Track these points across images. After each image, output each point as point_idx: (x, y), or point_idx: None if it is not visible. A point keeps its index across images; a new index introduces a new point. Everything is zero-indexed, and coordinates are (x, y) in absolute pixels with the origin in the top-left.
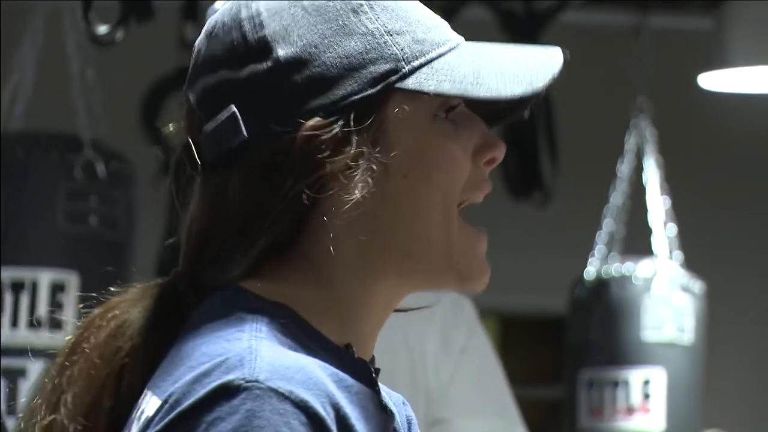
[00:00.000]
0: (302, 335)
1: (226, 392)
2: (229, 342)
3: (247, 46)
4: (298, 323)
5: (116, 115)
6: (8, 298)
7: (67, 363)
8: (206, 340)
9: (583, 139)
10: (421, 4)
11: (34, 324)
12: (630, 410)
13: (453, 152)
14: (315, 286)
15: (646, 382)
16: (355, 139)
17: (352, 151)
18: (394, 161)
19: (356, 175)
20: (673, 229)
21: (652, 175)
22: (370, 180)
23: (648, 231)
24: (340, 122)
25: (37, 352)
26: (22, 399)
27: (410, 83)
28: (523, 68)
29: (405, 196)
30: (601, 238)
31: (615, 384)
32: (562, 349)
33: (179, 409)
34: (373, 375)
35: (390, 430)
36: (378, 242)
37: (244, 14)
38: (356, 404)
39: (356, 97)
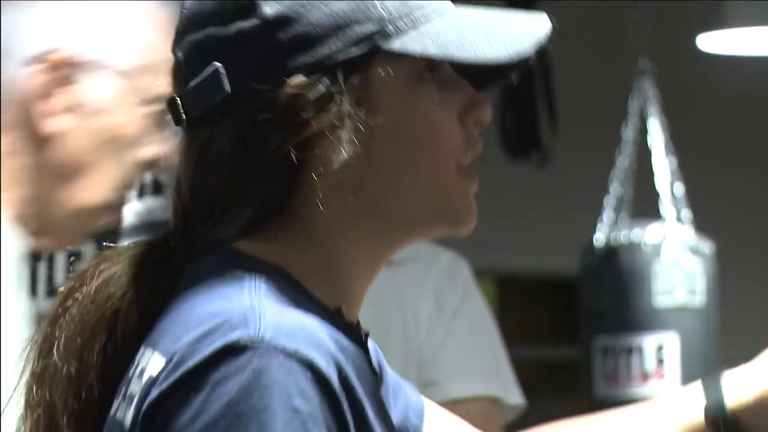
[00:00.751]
0: (297, 296)
1: (232, 351)
2: (230, 301)
3: (235, 3)
4: (292, 284)
5: None
6: (26, 268)
7: (59, 311)
8: (206, 299)
9: (585, 102)
10: None
11: (52, 293)
12: (645, 376)
13: (437, 114)
14: (305, 247)
15: (660, 348)
16: (339, 98)
17: (336, 110)
18: (378, 122)
19: (342, 134)
20: (680, 189)
21: (656, 137)
22: (352, 139)
23: (654, 192)
24: (325, 81)
25: None
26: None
27: (396, 45)
28: (509, 33)
29: (390, 157)
30: (609, 202)
31: (629, 351)
32: (559, 310)
33: (184, 368)
34: (363, 337)
35: (379, 390)
36: (366, 202)
37: None
38: (352, 365)
39: (341, 56)
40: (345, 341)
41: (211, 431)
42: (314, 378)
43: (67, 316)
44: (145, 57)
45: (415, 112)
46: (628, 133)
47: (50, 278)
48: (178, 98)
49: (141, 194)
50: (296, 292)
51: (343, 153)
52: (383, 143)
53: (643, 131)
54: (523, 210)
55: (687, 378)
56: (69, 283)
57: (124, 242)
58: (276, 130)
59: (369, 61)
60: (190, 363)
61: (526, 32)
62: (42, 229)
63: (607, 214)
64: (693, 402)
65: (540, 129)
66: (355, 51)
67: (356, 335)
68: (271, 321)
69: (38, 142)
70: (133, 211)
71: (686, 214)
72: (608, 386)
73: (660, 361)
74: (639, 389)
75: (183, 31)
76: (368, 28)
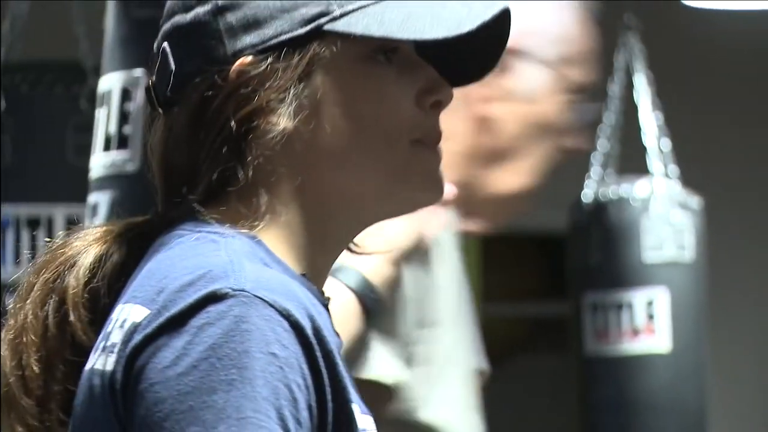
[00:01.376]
0: (266, 258)
1: (215, 299)
2: (209, 257)
3: None
4: (263, 248)
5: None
6: (26, 235)
7: (35, 279)
8: (184, 256)
9: None
10: None
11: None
12: (635, 332)
13: (387, 92)
14: (268, 220)
15: (650, 303)
16: (281, 75)
17: (277, 86)
18: (323, 99)
19: (282, 109)
20: (666, 144)
21: (643, 93)
22: (294, 113)
23: (641, 148)
24: (269, 60)
25: None
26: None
27: (339, 25)
28: (455, 14)
29: (333, 133)
30: (597, 158)
31: (619, 307)
32: (545, 267)
33: (168, 314)
34: (325, 303)
35: (341, 352)
36: (315, 178)
37: None
38: (320, 320)
39: (285, 36)
40: (314, 299)
41: (192, 373)
42: (291, 327)
43: (42, 284)
44: (567, 48)
45: (360, 90)
46: (615, 89)
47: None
48: (151, 85)
49: (107, 147)
50: (265, 253)
51: (282, 126)
52: (326, 120)
53: (629, 87)
54: None
55: (677, 333)
56: (44, 256)
57: (91, 194)
58: (224, 106)
59: (313, 40)
60: (174, 309)
61: (472, 13)
62: (471, 211)
63: (595, 171)
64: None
65: None
66: (299, 31)
67: (319, 299)
68: (250, 274)
69: (474, 126)
70: (100, 163)
71: (673, 169)
72: (598, 342)
73: (650, 317)
74: (629, 345)
75: (161, 23)
76: (313, 9)
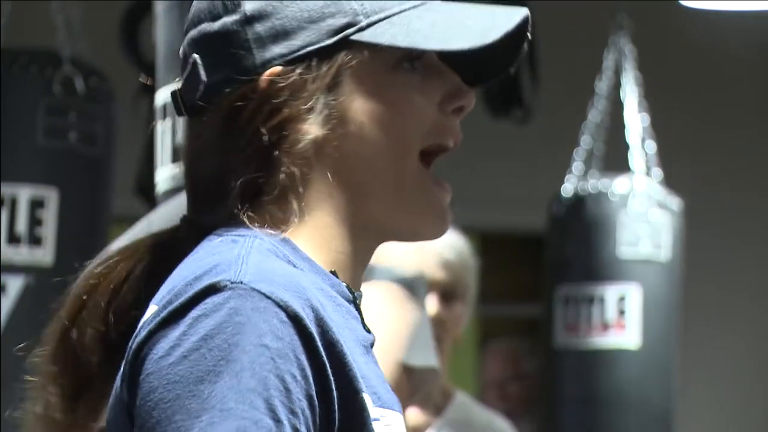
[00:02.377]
0: (291, 256)
1: (213, 291)
2: (221, 254)
3: (223, 2)
4: (289, 247)
5: (96, 32)
6: None
7: (83, 292)
8: (201, 256)
9: (560, 57)
10: None
11: (13, 240)
12: (605, 326)
13: (413, 100)
14: (296, 224)
15: (622, 299)
16: (310, 85)
17: (307, 96)
18: (351, 107)
19: (312, 118)
20: (652, 146)
21: (630, 92)
22: (323, 122)
23: (626, 147)
24: (298, 70)
25: (17, 268)
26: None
27: (366, 36)
28: (479, 23)
29: (363, 140)
30: (579, 155)
31: (590, 300)
32: (530, 267)
33: (170, 307)
34: (355, 298)
35: (371, 348)
36: (343, 183)
37: None
38: (337, 313)
39: (313, 47)
40: (333, 292)
41: (183, 362)
42: (287, 318)
43: (90, 300)
44: None
45: (387, 99)
46: (602, 87)
47: (11, 225)
48: (177, 91)
49: (175, 159)
50: (291, 253)
51: (312, 135)
52: (355, 128)
53: (617, 86)
54: (503, 166)
55: (648, 330)
56: (92, 267)
57: (160, 206)
58: (254, 116)
59: (341, 51)
60: (176, 303)
61: (496, 22)
62: None
63: (577, 166)
64: None
65: (522, 86)
66: (327, 41)
67: (347, 294)
68: (253, 266)
69: None
70: (167, 175)
71: (657, 171)
72: (568, 335)
73: (621, 312)
74: (599, 339)
75: (186, 30)
76: (340, 20)
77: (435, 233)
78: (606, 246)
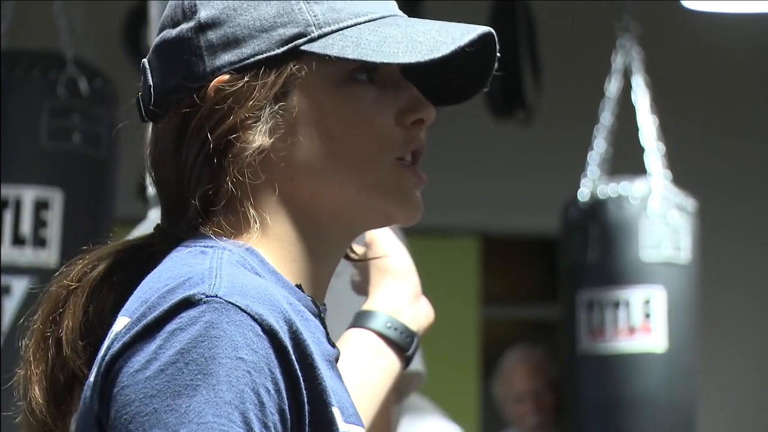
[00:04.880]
0: (258, 268)
1: (188, 305)
2: (193, 266)
3: (182, 7)
4: (257, 259)
5: (98, 33)
6: None
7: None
8: (172, 267)
9: (567, 60)
10: None
11: (18, 241)
12: (632, 330)
13: (364, 111)
14: (259, 233)
15: (647, 302)
16: (257, 94)
17: (252, 104)
18: (298, 117)
19: (258, 126)
20: (662, 148)
21: (641, 95)
22: (270, 131)
23: (633, 151)
24: (246, 78)
25: (21, 270)
26: (6, 317)
27: (315, 47)
28: (431, 38)
29: (310, 150)
30: (593, 158)
31: (616, 304)
32: (543, 269)
33: (144, 321)
34: (320, 312)
35: (335, 362)
36: (295, 192)
37: None
38: (305, 327)
39: (262, 55)
40: (300, 306)
41: (160, 376)
42: (263, 332)
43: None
44: None
45: (336, 109)
46: (612, 89)
47: (16, 226)
48: (148, 97)
49: None
50: (258, 263)
51: (258, 144)
52: (302, 137)
53: (625, 90)
54: (505, 168)
55: (672, 333)
56: (63, 269)
57: (152, 209)
58: (202, 123)
59: (290, 60)
60: (150, 317)
61: (449, 38)
62: None
63: (592, 170)
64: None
65: (524, 88)
66: (276, 51)
67: (313, 308)
68: (226, 280)
69: None
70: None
71: (668, 172)
72: (593, 340)
73: (647, 315)
74: (625, 343)
75: (153, 39)
76: (291, 30)
77: (403, 219)
78: (629, 249)
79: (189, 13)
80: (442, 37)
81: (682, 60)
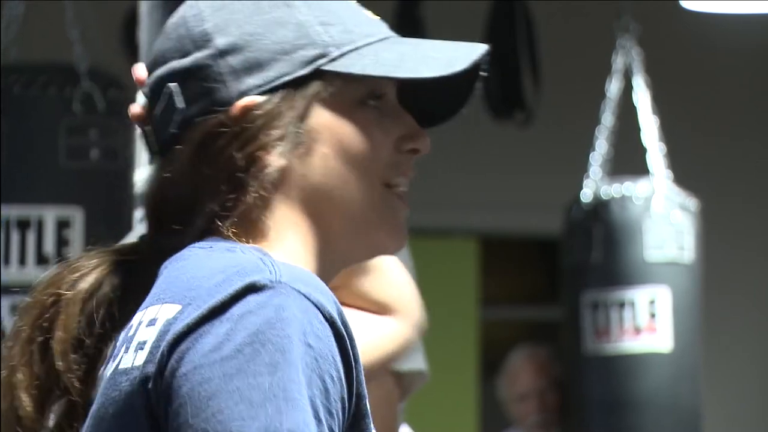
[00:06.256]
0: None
1: (254, 289)
2: (238, 257)
3: (191, 38)
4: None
5: (109, 41)
6: (15, 237)
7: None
8: (211, 259)
9: (567, 61)
10: (356, 4)
11: (42, 261)
12: (637, 330)
13: (373, 135)
14: (271, 245)
15: (652, 302)
16: (284, 114)
17: (280, 125)
18: (318, 138)
19: (283, 146)
20: (663, 148)
21: (641, 95)
22: (292, 151)
23: (633, 151)
24: (273, 100)
25: None
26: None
27: (338, 65)
28: (444, 55)
29: (326, 170)
30: (595, 159)
31: (621, 305)
32: (543, 270)
33: (208, 305)
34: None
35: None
36: (307, 211)
37: (188, 13)
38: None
39: (288, 77)
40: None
41: (237, 356)
42: (324, 320)
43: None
44: None
45: (352, 132)
46: (613, 90)
47: (39, 246)
48: (149, 128)
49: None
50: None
51: (282, 163)
52: (319, 157)
53: (626, 90)
54: (505, 170)
55: (677, 332)
56: (49, 276)
57: (138, 209)
58: (229, 144)
59: (313, 81)
60: (213, 301)
61: (459, 54)
62: None
63: (594, 171)
64: None
65: (523, 88)
66: (300, 72)
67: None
68: (284, 268)
69: None
70: (145, 177)
71: (669, 172)
72: (598, 341)
73: (652, 315)
74: (631, 343)
75: (150, 70)
76: (312, 52)
77: (394, 248)
78: (633, 249)
79: (201, 42)
80: (453, 53)
81: (682, 60)
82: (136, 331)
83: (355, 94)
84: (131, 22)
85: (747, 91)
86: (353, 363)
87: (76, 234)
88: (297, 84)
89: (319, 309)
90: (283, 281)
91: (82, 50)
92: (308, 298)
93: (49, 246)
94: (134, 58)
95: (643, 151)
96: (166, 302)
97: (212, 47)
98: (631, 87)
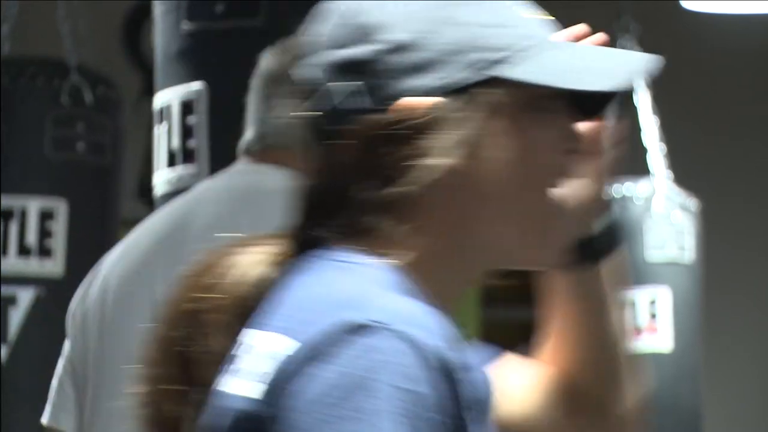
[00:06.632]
0: (402, 285)
1: (355, 330)
2: (344, 285)
3: (354, 30)
4: (401, 278)
5: (102, 39)
6: None
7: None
8: (318, 284)
9: None
10: (523, 2)
11: (23, 252)
12: (637, 331)
13: (539, 139)
14: (408, 255)
15: (652, 302)
16: (446, 118)
17: (446, 127)
18: (483, 144)
19: (444, 150)
20: (663, 148)
21: (642, 95)
22: (456, 154)
23: (633, 151)
24: (435, 103)
25: (27, 280)
26: (12, 328)
27: (516, 73)
28: (603, 65)
29: (491, 178)
30: None
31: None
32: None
33: (310, 345)
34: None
35: (485, 387)
36: (465, 219)
37: (350, 4)
38: (462, 356)
39: (452, 80)
40: (448, 330)
41: (325, 400)
42: (425, 361)
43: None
44: None
45: (519, 137)
46: None
47: (21, 237)
48: (320, 115)
49: (171, 162)
50: (401, 282)
51: (446, 166)
52: (484, 164)
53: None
54: None
55: (677, 333)
56: (195, 269)
57: (156, 210)
58: (388, 144)
59: (480, 86)
60: (316, 341)
61: (621, 65)
62: None
63: None
64: None
65: None
66: (471, 77)
67: (453, 332)
68: (385, 305)
69: None
70: (165, 178)
71: (669, 172)
72: None
73: (652, 315)
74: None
75: (312, 54)
76: (485, 55)
77: (548, 264)
78: (634, 249)
79: (366, 36)
80: (610, 63)
81: (682, 60)
82: (245, 352)
83: (525, 99)
84: (131, 22)
85: (747, 91)
86: (461, 401)
87: (59, 226)
88: (464, 88)
89: (418, 349)
90: (382, 320)
91: (72, 44)
92: (406, 339)
93: (32, 237)
94: (136, 58)
95: (644, 151)
96: (274, 330)
97: (380, 42)
98: (631, 87)
